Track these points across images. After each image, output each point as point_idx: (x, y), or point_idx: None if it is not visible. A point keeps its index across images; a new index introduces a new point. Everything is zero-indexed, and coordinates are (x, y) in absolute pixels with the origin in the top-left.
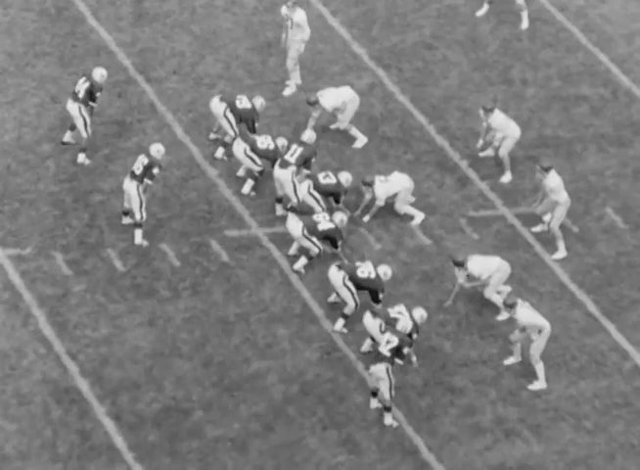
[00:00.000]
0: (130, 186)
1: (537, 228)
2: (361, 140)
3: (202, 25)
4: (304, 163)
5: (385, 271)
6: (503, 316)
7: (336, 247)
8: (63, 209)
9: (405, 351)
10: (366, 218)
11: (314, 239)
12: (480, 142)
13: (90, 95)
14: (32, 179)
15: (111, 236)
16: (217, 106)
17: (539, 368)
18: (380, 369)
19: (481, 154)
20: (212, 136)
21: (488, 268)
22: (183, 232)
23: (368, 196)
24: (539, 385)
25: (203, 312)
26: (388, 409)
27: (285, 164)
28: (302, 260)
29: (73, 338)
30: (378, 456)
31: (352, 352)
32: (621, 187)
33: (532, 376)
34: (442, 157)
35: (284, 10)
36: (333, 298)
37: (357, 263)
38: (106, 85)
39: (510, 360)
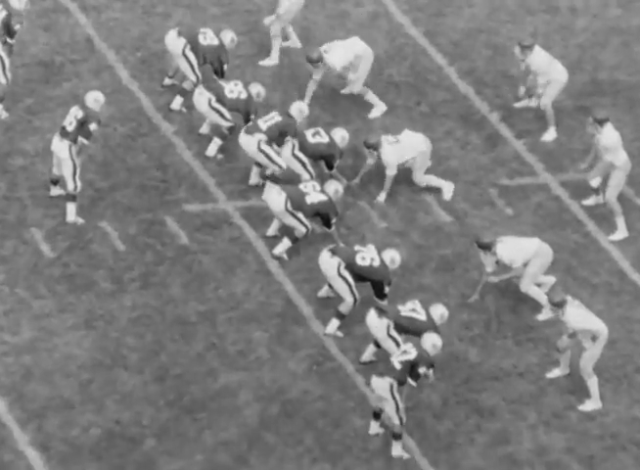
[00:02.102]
0: (61, 147)
1: (590, 201)
2: (379, 108)
3: None
4: (278, 137)
5: (392, 257)
6: (545, 315)
7: (329, 225)
8: None
9: (421, 371)
10: (381, 197)
11: (301, 215)
12: (522, 90)
13: (7, 28)
14: None
15: (35, 212)
16: (174, 42)
17: (593, 383)
18: (382, 386)
19: (517, 104)
20: (168, 82)
21: (524, 253)
22: (130, 207)
23: (371, 161)
24: (593, 405)
25: (155, 311)
26: (396, 437)
27: (252, 130)
28: (285, 243)
29: None
30: None
31: (350, 363)
32: None
33: (584, 393)
34: (466, 108)
35: None
36: (324, 292)
37: (356, 247)
38: (27, 15)
39: (555, 373)
